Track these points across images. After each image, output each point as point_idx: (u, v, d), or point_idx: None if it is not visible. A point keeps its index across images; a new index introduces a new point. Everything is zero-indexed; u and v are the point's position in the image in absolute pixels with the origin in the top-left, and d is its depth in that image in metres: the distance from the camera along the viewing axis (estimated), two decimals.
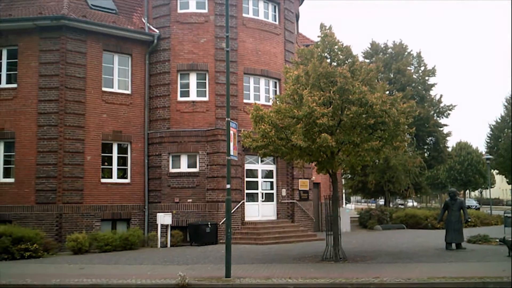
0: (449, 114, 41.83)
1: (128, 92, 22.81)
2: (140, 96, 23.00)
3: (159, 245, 20.81)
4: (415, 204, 67.09)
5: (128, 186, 22.36)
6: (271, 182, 24.05)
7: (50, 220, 20.06)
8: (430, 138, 41.81)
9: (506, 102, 52.16)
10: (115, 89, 22.50)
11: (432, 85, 41.86)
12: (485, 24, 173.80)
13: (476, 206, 57.14)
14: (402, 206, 48.47)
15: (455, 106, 41.95)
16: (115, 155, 22.30)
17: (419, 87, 41.00)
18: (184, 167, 22.70)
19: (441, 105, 41.75)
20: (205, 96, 23.00)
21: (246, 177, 23.22)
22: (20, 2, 22.37)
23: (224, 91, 19.88)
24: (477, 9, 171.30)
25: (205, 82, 23.11)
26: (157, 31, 23.23)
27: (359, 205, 72.90)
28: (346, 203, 56.65)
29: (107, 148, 22.06)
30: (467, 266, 13.87)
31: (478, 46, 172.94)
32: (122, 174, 22.52)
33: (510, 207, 64.00)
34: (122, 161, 22.55)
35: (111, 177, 22.12)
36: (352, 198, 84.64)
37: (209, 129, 22.40)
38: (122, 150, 22.55)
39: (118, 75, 22.69)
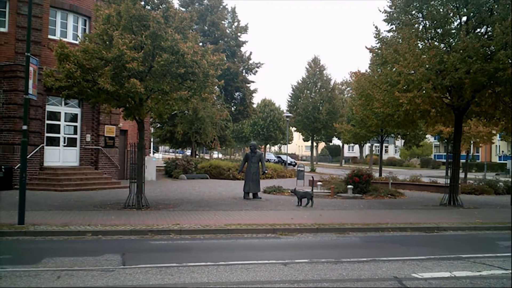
0: (256, 71, 43.89)
1: None
2: None
3: None
4: (220, 156, 69.84)
5: None
6: (75, 127, 22.88)
7: None
8: (238, 93, 43.57)
9: (308, 65, 56.28)
10: None
11: (244, 42, 43.36)
12: None
13: (274, 160, 61.32)
14: (207, 158, 50.01)
15: (262, 64, 44.17)
16: None
17: (231, 42, 42.18)
18: None
19: (250, 62, 43.55)
20: (4, 27, 20.73)
21: (48, 119, 21.76)
22: None
23: (26, 24, 18.12)
24: None
25: (5, 11, 20.76)
26: None
27: (167, 155, 73.47)
28: (153, 152, 56.62)
29: None
30: (262, 214, 14.94)
31: (289, 11, 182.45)
32: None
33: (304, 161, 70.28)
34: None
35: None
36: (161, 148, 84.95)
37: (6, 64, 20.36)
38: None
39: None
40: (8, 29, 20.67)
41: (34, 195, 16.83)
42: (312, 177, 21.79)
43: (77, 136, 22.90)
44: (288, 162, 48.87)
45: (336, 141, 78.00)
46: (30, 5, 12.55)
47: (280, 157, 46.29)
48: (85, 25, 23.05)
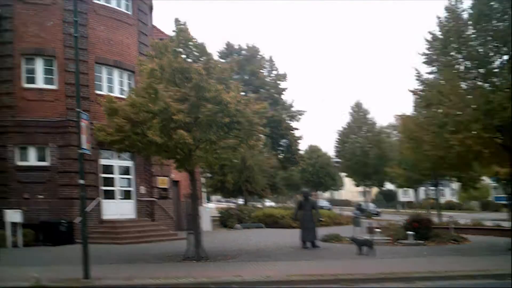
0: (300, 118, 43.74)
1: None
2: None
3: (9, 245, 18.89)
4: (273, 204, 69.29)
5: None
6: (129, 179, 23.09)
7: None
8: (283, 140, 43.41)
9: (352, 109, 55.87)
10: None
11: (284, 89, 43.60)
12: (333, 34, 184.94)
13: (327, 207, 60.27)
14: (260, 206, 49.55)
15: (305, 111, 44.09)
16: None
17: (272, 90, 42.44)
18: (33, 160, 21.05)
19: (293, 109, 43.57)
20: (54, 84, 21.45)
21: (102, 173, 22.03)
22: None
23: (74, 80, 18.66)
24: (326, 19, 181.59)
25: (53, 69, 21.54)
26: None
27: (220, 204, 73.49)
28: (207, 202, 56.71)
29: None
30: (322, 263, 14.40)
31: (327, 54, 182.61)
32: None
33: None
34: None
35: None
36: (213, 197, 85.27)
37: (59, 120, 20.92)
38: None
39: None
40: (58, 86, 21.33)
41: (95, 249, 16.77)
42: (370, 223, 21.01)
43: (132, 189, 23.06)
44: (373, 212, 45.68)
45: (389, 186, 76.15)
46: (77, 63, 12.84)
47: (360, 206, 44.33)
48: (129, 80, 23.54)
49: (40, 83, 21.30)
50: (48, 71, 21.47)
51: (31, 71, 21.33)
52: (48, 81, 21.41)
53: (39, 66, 21.44)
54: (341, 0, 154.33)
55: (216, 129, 14.58)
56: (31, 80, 21.26)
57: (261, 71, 42.34)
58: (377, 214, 47.52)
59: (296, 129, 44.21)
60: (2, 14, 20.94)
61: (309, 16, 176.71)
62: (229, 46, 43.58)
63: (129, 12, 24.06)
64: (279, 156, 42.98)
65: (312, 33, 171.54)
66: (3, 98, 20.78)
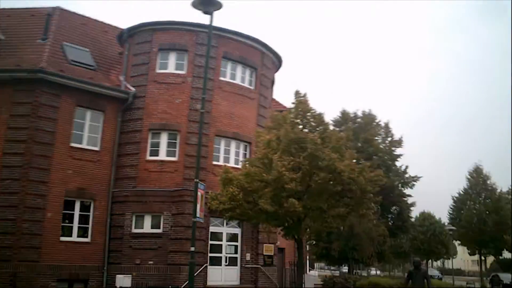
0: (413, 185, 42.15)
1: (97, 148, 22.31)
2: (108, 153, 22.51)
3: None
4: (378, 272, 66.81)
5: (87, 245, 21.45)
6: (236, 246, 23.56)
7: (4, 279, 18.81)
8: (394, 207, 42.09)
9: (470, 175, 53.37)
10: (84, 145, 21.96)
11: (398, 156, 42.50)
12: (448, 98, 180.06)
13: (438, 276, 57.14)
14: (364, 275, 48.13)
15: (420, 177, 42.18)
16: (76, 212, 21.43)
17: (386, 157, 41.55)
18: (147, 228, 22.05)
19: (406, 176, 42.25)
20: (175, 156, 22.71)
21: (211, 240, 22.69)
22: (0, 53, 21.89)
23: (194, 152, 19.66)
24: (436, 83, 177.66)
25: (176, 142, 22.88)
26: (133, 89, 23.06)
27: (323, 272, 72.06)
28: (310, 270, 55.98)
29: (69, 205, 21.18)
30: None
31: (441, 118, 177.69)
32: (83, 232, 21.60)
33: (471, 277, 64.41)
34: (83, 219, 21.65)
35: (71, 236, 21.16)
36: (316, 265, 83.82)
37: (176, 190, 21.98)
38: (84, 207, 21.73)
39: (89, 131, 22.24)
40: (178, 158, 22.54)
41: None
42: None
43: (238, 255, 23.44)
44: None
45: (507, 254, 70.71)
46: (200, 137, 13.88)
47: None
48: (245, 150, 24.42)
49: (162, 156, 22.65)
50: (170, 144, 22.83)
51: (156, 145, 22.83)
52: (169, 153, 22.72)
53: (163, 140, 22.88)
54: None
55: (327, 197, 14.84)
56: (155, 152, 22.73)
57: (376, 138, 41.80)
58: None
59: (409, 195, 42.75)
60: (136, 94, 22.94)
61: (421, 77, 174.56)
62: (344, 114, 43.75)
63: (251, 87, 25.19)
64: (389, 223, 41.65)
65: (427, 94, 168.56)
66: (127, 170, 22.40)
